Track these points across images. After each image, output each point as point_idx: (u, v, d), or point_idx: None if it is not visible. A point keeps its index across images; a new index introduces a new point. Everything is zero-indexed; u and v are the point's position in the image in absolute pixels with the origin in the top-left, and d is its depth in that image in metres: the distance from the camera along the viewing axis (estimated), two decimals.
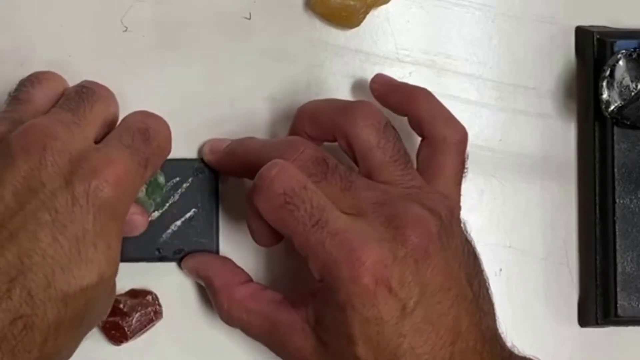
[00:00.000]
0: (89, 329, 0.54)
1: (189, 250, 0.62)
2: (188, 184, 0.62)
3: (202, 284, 0.60)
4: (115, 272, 0.52)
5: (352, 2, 0.62)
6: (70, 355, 0.53)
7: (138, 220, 0.56)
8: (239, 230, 0.62)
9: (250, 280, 0.59)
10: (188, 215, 0.62)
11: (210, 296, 0.59)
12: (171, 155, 0.60)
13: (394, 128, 0.56)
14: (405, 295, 0.52)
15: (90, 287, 0.50)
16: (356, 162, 0.57)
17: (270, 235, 0.56)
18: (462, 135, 0.58)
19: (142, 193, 0.59)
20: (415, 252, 0.52)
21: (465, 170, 0.59)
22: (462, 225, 0.56)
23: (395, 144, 0.56)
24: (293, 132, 0.60)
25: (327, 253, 0.52)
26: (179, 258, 0.62)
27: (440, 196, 0.56)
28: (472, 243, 0.56)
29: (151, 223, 0.61)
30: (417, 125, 0.58)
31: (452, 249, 0.54)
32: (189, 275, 0.61)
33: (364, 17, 0.62)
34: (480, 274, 0.55)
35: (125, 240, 0.59)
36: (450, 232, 0.54)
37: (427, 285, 0.52)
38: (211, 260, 0.60)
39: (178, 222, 0.62)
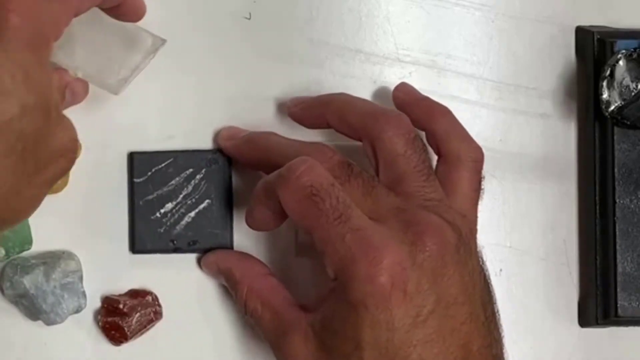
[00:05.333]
0: (47, 175, 0.52)
1: (203, 242, 0.63)
2: (201, 175, 0.63)
3: (222, 280, 0.60)
4: (41, 102, 0.49)
5: None
6: (29, 204, 0.52)
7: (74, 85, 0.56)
8: None
9: (271, 273, 0.59)
10: (202, 206, 0.62)
11: (231, 288, 0.60)
12: (184, 147, 0.62)
13: (422, 141, 0.57)
14: (420, 302, 0.52)
15: (15, 118, 0.48)
16: (377, 170, 0.57)
17: (267, 222, 0.57)
18: (477, 154, 0.58)
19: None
20: (432, 259, 0.52)
21: (482, 191, 0.59)
22: (479, 251, 0.56)
23: (420, 156, 0.56)
24: (311, 115, 0.60)
25: (346, 247, 0.52)
26: (194, 249, 0.62)
27: (459, 214, 0.56)
28: (488, 273, 0.56)
29: (164, 215, 0.62)
30: (434, 142, 0.59)
31: (469, 268, 0.54)
32: (208, 272, 0.61)
33: (65, 179, 0.61)
34: (494, 304, 0.55)
35: (139, 232, 0.62)
36: (469, 251, 0.54)
37: (442, 295, 0.52)
38: (231, 254, 0.61)
39: (192, 214, 0.62)
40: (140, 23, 0.62)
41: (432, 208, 0.55)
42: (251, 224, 0.58)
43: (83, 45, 0.60)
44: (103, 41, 0.61)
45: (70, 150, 0.53)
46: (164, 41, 0.60)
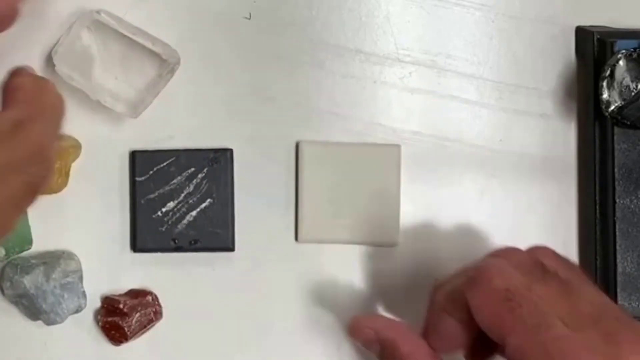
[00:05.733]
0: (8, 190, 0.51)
1: (204, 241, 0.63)
2: (203, 174, 0.63)
3: (374, 349, 0.57)
4: None
5: None
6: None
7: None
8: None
9: (437, 356, 0.57)
10: (203, 205, 0.63)
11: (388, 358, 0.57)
12: (186, 146, 0.63)
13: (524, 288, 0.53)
14: None
15: None
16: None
17: (456, 336, 0.55)
18: (550, 257, 0.55)
19: None
20: None
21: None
22: None
23: (531, 302, 0.53)
24: (433, 319, 0.57)
25: (549, 357, 0.50)
26: (195, 249, 0.63)
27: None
28: None
29: (166, 213, 0.62)
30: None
31: None
32: (359, 336, 0.58)
33: (65, 179, 0.62)
34: None
35: (141, 231, 0.62)
36: None
37: None
38: (396, 324, 0.58)
39: (193, 213, 0.62)
40: (146, 27, 0.62)
41: (623, 320, 0.53)
42: (437, 343, 0.55)
43: (100, 66, 0.61)
44: (120, 64, 0.61)
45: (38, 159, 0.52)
46: (179, 61, 0.61)
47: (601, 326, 0.52)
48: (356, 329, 0.59)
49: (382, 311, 0.65)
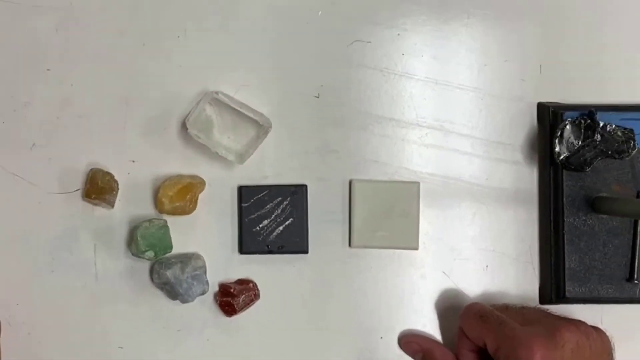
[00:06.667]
0: None
1: (288, 247, 0.72)
2: (287, 202, 0.72)
3: (417, 355, 0.71)
4: None
5: (177, 204, 0.69)
6: None
7: None
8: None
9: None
10: (287, 223, 0.72)
11: None
12: (275, 183, 0.71)
13: (493, 313, 0.68)
14: None
15: None
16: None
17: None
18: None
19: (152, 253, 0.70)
20: (570, 343, 0.64)
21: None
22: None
23: (494, 314, 0.67)
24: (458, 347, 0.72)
25: (510, 340, 0.64)
26: (281, 251, 0.72)
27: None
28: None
29: (262, 228, 0.71)
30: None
31: (595, 355, 0.67)
32: (407, 347, 0.72)
33: (194, 204, 0.69)
34: None
35: (245, 239, 0.70)
36: (595, 347, 0.66)
37: None
38: (429, 338, 0.72)
39: (280, 228, 0.72)
40: (249, 102, 0.71)
41: (558, 318, 0.68)
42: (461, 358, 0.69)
43: (218, 129, 0.71)
44: (231, 128, 0.71)
45: None
46: (271, 125, 0.69)
47: (543, 322, 0.67)
48: (406, 343, 0.73)
49: (408, 292, 0.73)
